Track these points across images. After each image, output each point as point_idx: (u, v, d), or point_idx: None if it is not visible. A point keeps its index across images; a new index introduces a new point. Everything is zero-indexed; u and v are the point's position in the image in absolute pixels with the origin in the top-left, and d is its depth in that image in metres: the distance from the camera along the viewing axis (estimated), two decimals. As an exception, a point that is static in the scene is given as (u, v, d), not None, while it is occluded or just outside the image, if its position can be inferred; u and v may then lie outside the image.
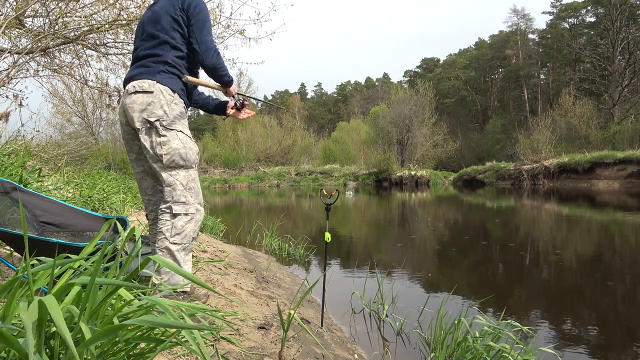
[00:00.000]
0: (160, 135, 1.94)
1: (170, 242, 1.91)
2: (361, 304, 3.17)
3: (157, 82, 1.97)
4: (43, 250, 1.66)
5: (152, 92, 1.95)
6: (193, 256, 3.48)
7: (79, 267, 1.18)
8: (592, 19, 41.67)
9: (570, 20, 44.83)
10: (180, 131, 1.99)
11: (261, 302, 2.68)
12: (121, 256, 1.25)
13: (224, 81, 2.18)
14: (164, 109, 1.96)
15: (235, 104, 2.38)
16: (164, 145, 1.95)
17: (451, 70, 55.80)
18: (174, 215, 1.94)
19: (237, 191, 24.53)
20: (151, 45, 2.05)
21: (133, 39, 5.21)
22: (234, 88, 2.26)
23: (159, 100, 1.95)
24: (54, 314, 0.78)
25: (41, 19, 4.68)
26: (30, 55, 4.64)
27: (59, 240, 1.76)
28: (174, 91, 2.01)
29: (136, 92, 1.96)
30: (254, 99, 2.50)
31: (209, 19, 2.12)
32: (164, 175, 1.99)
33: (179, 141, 1.97)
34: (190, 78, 2.05)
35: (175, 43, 2.05)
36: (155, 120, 1.94)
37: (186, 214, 1.97)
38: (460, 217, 10.28)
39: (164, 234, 1.92)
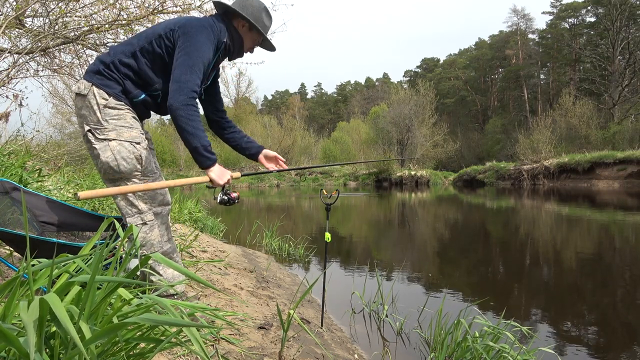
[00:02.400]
0: (92, 147, 1.80)
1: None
2: (361, 304, 3.17)
3: (92, 84, 1.80)
4: (43, 250, 1.66)
5: (85, 96, 1.79)
6: (193, 256, 3.48)
7: (78, 268, 1.18)
8: (592, 19, 41.68)
9: (570, 20, 44.83)
10: (114, 139, 1.79)
11: (261, 302, 2.68)
12: (121, 257, 1.25)
13: (192, 150, 1.76)
14: (96, 115, 1.78)
15: (220, 198, 1.97)
16: (96, 158, 1.82)
17: (451, 70, 55.80)
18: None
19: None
20: (118, 49, 1.88)
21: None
22: (219, 179, 1.84)
23: (90, 105, 1.78)
24: (57, 311, 0.78)
25: (41, 19, 4.68)
26: (30, 55, 4.64)
27: (59, 240, 1.76)
28: (109, 94, 1.80)
29: (75, 94, 1.84)
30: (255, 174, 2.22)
31: (201, 52, 1.79)
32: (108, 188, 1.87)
33: (110, 152, 1.78)
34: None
35: (137, 52, 1.83)
36: (88, 131, 1.80)
37: (144, 224, 1.85)
38: (460, 217, 10.28)
39: None
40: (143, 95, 1.87)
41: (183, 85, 1.72)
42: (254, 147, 2.27)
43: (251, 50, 2.10)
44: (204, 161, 1.79)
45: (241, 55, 2.10)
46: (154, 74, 1.86)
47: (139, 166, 1.84)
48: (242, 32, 2.01)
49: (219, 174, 1.84)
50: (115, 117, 1.80)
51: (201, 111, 2.04)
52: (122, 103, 1.83)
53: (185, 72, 1.74)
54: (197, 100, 1.81)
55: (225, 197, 1.95)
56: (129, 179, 1.84)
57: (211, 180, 1.83)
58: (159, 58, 1.84)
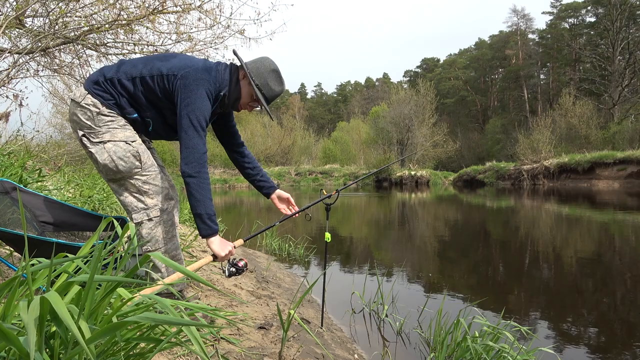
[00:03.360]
0: (89, 152, 1.84)
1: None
2: (361, 304, 3.17)
3: (89, 92, 1.83)
4: (43, 250, 1.66)
5: (79, 102, 1.82)
6: (193, 256, 3.47)
7: (78, 268, 1.18)
8: (592, 19, 41.70)
9: (570, 20, 44.86)
10: (108, 141, 1.82)
11: (261, 302, 2.68)
12: (120, 256, 1.25)
13: (197, 215, 1.78)
14: (89, 121, 1.82)
15: (228, 272, 1.96)
16: (95, 161, 1.85)
17: (451, 70, 55.82)
18: (138, 224, 1.86)
19: (237, 191, 24.53)
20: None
21: (133, 39, 5.22)
22: (221, 251, 1.81)
23: (84, 112, 1.81)
24: (59, 309, 0.78)
25: (41, 19, 4.68)
26: (30, 55, 4.64)
27: (59, 240, 1.76)
28: (102, 104, 1.82)
29: (71, 100, 1.88)
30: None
31: (202, 108, 1.79)
32: (112, 187, 1.91)
33: (106, 154, 1.81)
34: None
35: (137, 78, 1.84)
36: (82, 135, 1.83)
37: (150, 219, 1.87)
38: (460, 217, 10.28)
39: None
40: (135, 115, 1.89)
41: (193, 151, 1.77)
42: (267, 187, 2.31)
43: (248, 108, 2.04)
44: (205, 229, 1.79)
45: (236, 109, 2.06)
46: (147, 103, 1.88)
47: (137, 163, 1.85)
48: (243, 85, 1.97)
49: (220, 245, 1.82)
50: (108, 122, 1.83)
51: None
52: (115, 112, 1.85)
53: (193, 135, 1.77)
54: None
55: (234, 269, 1.93)
56: (130, 177, 1.86)
57: (214, 255, 1.83)
58: (153, 93, 1.86)
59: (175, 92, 1.82)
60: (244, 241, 2.06)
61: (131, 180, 1.86)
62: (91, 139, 1.82)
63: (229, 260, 1.94)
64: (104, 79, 1.85)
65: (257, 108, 2.04)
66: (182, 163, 1.77)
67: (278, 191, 2.32)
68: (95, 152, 1.82)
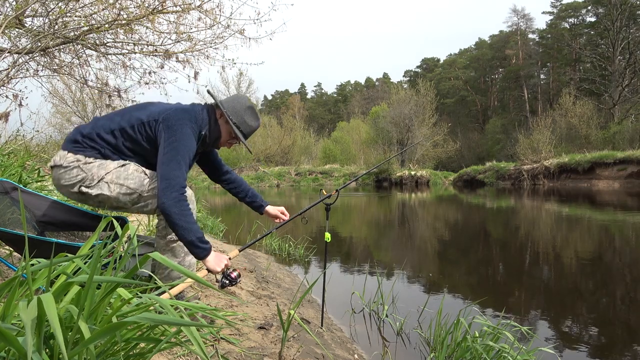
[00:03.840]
0: (93, 197, 1.82)
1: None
2: (361, 304, 3.17)
3: (68, 151, 1.83)
4: (43, 251, 1.66)
5: (61, 165, 1.81)
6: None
7: (78, 268, 1.18)
8: (592, 19, 41.68)
9: (570, 20, 44.85)
10: (105, 174, 1.82)
11: (261, 302, 2.68)
12: (120, 256, 1.25)
13: (188, 243, 1.75)
14: (79, 175, 1.81)
15: (221, 283, 1.95)
16: (106, 201, 1.84)
17: (451, 70, 55.81)
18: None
19: (237, 191, 24.48)
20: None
21: (133, 39, 5.22)
22: (217, 266, 1.81)
23: (70, 170, 1.80)
24: (49, 312, 0.78)
25: (41, 18, 4.68)
26: (30, 55, 4.64)
27: (59, 240, 1.76)
28: (85, 157, 1.82)
29: (51, 167, 1.86)
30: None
31: (187, 146, 1.81)
32: (139, 211, 1.91)
33: (111, 185, 1.81)
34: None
35: (116, 130, 1.85)
36: (79, 190, 1.81)
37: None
38: (460, 217, 10.28)
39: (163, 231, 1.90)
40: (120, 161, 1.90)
41: (172, 182, 1.74)
42: (258, 205, 2.36)
43: (227, 145, 2.10)
44: (200, 253, 1.79)
45: (217, 148, 2.12)
46: (131, 152, 1.89)
47: (142, 174, 1.87)
48: (221, 124, 2.01)
49: (215, 261, 1.82)
50: (96, 164, 1.84)
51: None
52: (97, 158, 1.86)
53: (173, 168, 1.75)
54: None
55: (227, 281, 1.93)
56: (145, 190, 1.86)
57: (209, 270, 1.83)
58: (136, 142, 1.86)
59: (159, 135, 1.82)
60: (239, 251, 2.06)
61: (147, 193, 1.86)
62: (89, 185, 1.81)
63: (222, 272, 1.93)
64: (82, 136, 1.85)
65: (236, 143, 2.10)
66: (161, 195, 1.73)
67: (269, 206, 2.37)
68: (100, 191, 1.80)
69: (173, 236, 1.86)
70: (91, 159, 1.83)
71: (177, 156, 1.77)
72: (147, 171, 1.89)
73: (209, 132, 1.98)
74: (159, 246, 1.91)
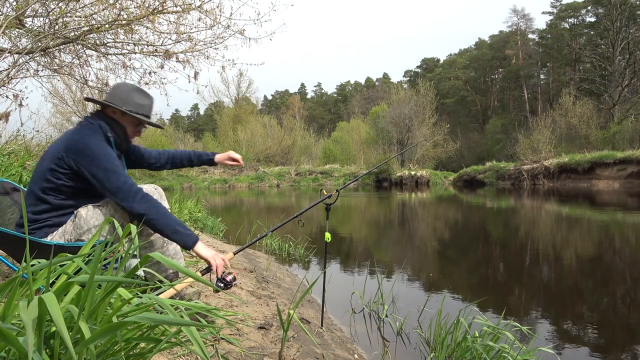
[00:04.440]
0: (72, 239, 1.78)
1: None
2: (361, 304, 3.17)
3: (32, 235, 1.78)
4: (42, 252, 1.66)
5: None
6: (193, 256, 3.48)
7: (79, 268, 1.18)
8: (592, 19, 41.67)
9: (570, 20, 44.83)
10: (76, 211, 1.81)
11: (261, 302, 2.68)
12: (121, 257, 1.25)
13: (173, 232, 1.74)
14: (64, 236, 1.79)
15: (216, 285, 1.87)
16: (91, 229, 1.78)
17: (451, 70, 55.80)
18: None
19: (237, 191, 24.53)
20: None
21: (133, 39, 5.22)
22: (207, 251, 1.80)
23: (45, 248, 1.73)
24: (52, 311, 0.78)
25: (41, 19, 4.68)
26: (30, 55, 4.64)
27: (58, 242, 1.76)
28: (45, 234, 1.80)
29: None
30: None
31: (107, 155, 1.77)
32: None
33: (86, 212, 1.79)
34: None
35: (41, 195, 1.79)
36: (65, 242, 1.78)
37: None
38: (460, 217, 10.28)
39: None
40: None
41: (126, 188, 1.73)
42: (206, 157, 2.39)
43: (138, 134, 2.05)
44: (189, 237, 1.76)
45: (129, 143, 2.04)
46: (69, 200, 1.82)
47: (92, 209, 1.82)
48: (119, 119, 1.95)
49: (207, 249, 1.81)
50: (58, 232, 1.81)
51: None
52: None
53: (116, 178, 1.73)
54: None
55: (222, 284, 1.88)
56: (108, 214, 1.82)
57: (207, 261, 1.79)
58: (64, 187, 1.79)
59: (78, 165, 1.75)
60: (234, 254, 2.04)
61: (112, 214, 1.83)
62: (70, 234, 1.77)
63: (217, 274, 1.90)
64: (22, 217, 1.79)
65: (143, 128, 2.05)
66: (125, 205, 1.72)
67: (217, 155, 2.38)
68: (79, 224, 1.76)
69: (150, 230, 1.85)
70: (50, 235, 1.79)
71: (108, 168, 1.74)
72: (92, 205, 1.83)
73: (114, 132, 1.92)
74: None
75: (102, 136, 1.86)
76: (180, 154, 2.39)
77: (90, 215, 1.81)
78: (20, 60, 4.65)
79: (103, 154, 1.77)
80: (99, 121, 1.90)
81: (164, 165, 2.34)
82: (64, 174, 1.77)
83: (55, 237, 1.79)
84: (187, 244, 1.77)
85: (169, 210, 1.82)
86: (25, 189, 2.15)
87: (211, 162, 2.37)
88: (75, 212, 1.83)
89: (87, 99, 2.03)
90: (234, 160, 2.38)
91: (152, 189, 1.97)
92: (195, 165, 2.40)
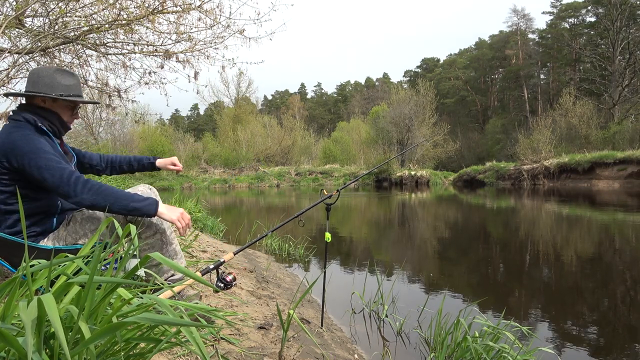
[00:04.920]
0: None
1: None
2: (361, 304, 3.17)
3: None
4: (39, 256, 1.65)
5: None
6: (193, 256, 3.48)
7: (78, 269, 1.18)
8: (592, 19, 41.67)
9: (570, 20, 44.83)
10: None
11: (261, 302, 2.68)
12: (120, 257, 1.25)
13: (131, 210, 1.70)
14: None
15: (215, 285, 1.90)
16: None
17: (451, 70, 55.79)
18: None
19: (237, 191, 24.53)
20: None
21: (133, 39, 5.22)
22: (170, 212, 1.78)
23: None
24: (50, 312, 0.78)
25: (41, 18, 4.68)
26: (30, 55, 4.64)
27: (56, 246, 1.75)
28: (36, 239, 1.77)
29: None
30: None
31: (40, 148, 1.67)
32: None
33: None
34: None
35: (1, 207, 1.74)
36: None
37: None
38: (460, 217, 10.28)
39: None
40: (54, 221, 1.81)
41: (63, 181, 1.65)
42: (146, 161, 2.31)
43: (76, 117, 1.95)
44: (148, 207, 1.73)
45: (67, 129, 1.93)
46: (35, 202, 1.74)
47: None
48: (52, 107, 1.83)
49: (171, 209, 1.79)
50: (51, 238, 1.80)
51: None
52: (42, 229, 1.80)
53: (53, 173, 1.65)
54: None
55: (222, 284, 1.88)
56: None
57: (173, 223, 1.78)
58: (19, 190, 1.66)
59: (14, 165, 1.67)
60: (234, 254, 2.03)
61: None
62: (64, 240, 1.78)
63: (217, 274, 1.90)
64: (11, 233, 1.72)
65: (78, 112, 1.95)
66: (69, 197, 1.67)
67: (159, 160, 2.32)
68: (75, 229, 1.78)
69: (149, 232, 1.85)
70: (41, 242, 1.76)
71: (41, 164, 1.65)
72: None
73: (46, 120, 1.81)
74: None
75: (31, 129, 1.74)
76: (120, 158, 2.30)
77: (86, 219, 1.81)
78: (20, 60, 4.65)
79: (32, 149, 1.66)
80: (22, 114, 1.77)
81: (104, 170, 2.26)
82: (8, 178, 1.69)
83: (49, 243, 1.76)
84: (150, 214, 1.73)
85: (117, 189, 1.75)
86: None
87: (152, 167, 2.30)
88: (69, 217, 1.82)
89: (8, 94, 1.92)
90: (175, 165, 2.31)
91: (147, 190, 1.94)
92: (137, 171, 2.31)
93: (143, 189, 1.92)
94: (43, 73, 1.82)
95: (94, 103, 2.08)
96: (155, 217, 1.80)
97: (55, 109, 1.84)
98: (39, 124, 1.76)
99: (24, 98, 1.87)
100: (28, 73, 1.86)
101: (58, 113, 1.85)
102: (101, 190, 1.67)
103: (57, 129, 1.85)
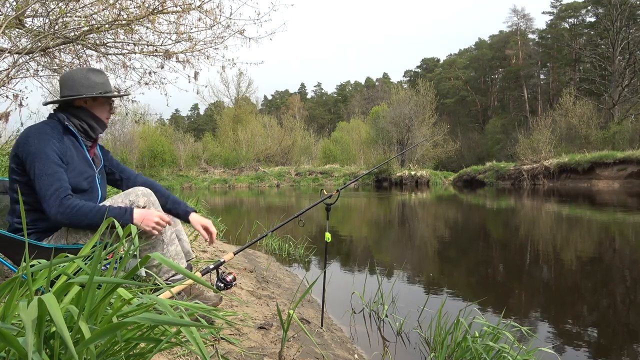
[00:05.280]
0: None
1: None
2: (361, 304, 3.17)
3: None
4: (39, 256, 1.66)
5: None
6: (193, 257, 3.47)
7: (78, 269, 1.18)
8: (592, 19, 41.67)
9: (570, 20, 44.83)
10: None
11: (261, 302, 2.68)
12: (120, 257, 1.25)
13: (110, 224, 1.53)
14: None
15: (215, 285, 1.89)
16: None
17: (451, 70, 55.79)
18: None
19: (237, 191, 24.53)
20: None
21: (133, 39, 5.22)
22: (143, 217, 1.74)
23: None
24: (52, 311, 0.78)
25: (41, 19, 4.68)
26: (30, 55, 4.64)
27: (57, 245, 1.75)
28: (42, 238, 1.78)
29: None
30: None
31: (43, 155, 1.68)
32: None
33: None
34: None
35: (13, 206, 1.80)
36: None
37: None
38: (460, 218, 10.28)
39: None
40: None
41: (46, 195, 1.66)
42: (183, 206, 2.13)
43: (113, 112, 2.01)
44: (123, 214, 1.70)
45: (104, 127, 1.96)
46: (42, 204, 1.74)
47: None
48: (90, 107, 1.88)
49: (143, 215, 1.74)
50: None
51: None
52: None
53: (41, 184, 1.66)
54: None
55: (222, 284, 1.86)
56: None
57: (145, 231, 1.74)
58: (31, 183, 1.70)
59: (24, 159, 1.70)
60: (234, 254, 2.03)
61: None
62: (65, 239, 1.77)
63: (217, 274, 1.89)
64: (16, 225, 1.75)
65: (113, 112, 2.00)
66: (49, 213, 1.66)
67: (193, 215, 2.11)
68: (75, 229, 1.76)
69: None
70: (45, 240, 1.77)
71: (37, 171, 1.67)
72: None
73: (79, 119, 1.85)
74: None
75: (56, 128, 1.78)
76: (158, 189, 2.11)
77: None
78: (20, 60, 4.65)
79: (37, 151, 1.68)
80: (57, 113, 1.83)
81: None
82: (23, 170, 1.72)
83: (52, 242, 1.77)
84: (125, 222, 1.69)
85: (91, 207, 1.71)
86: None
87: (185, 216, 2.10)
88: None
89: (47, 103, 1.95)
90: (207, 230, 2.09)
91: (147, 193, 1.91)
92: (165, 211, 2.01)
93: (144, 191, 1.90)
94: (77, 75, 1.86)
95: (126, 95, 2.11)
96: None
97: (93, 108, 1.89)
98: (66, 123, 1.81)
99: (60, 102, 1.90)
100: (59, 79, 1.92)
101: (94, 112, 1.89)
102: (75, 208, 1.67)
103: (91, 128, 1.89)
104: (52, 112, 1.91)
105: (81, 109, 1.86)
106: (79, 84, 1.84)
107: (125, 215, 1.72)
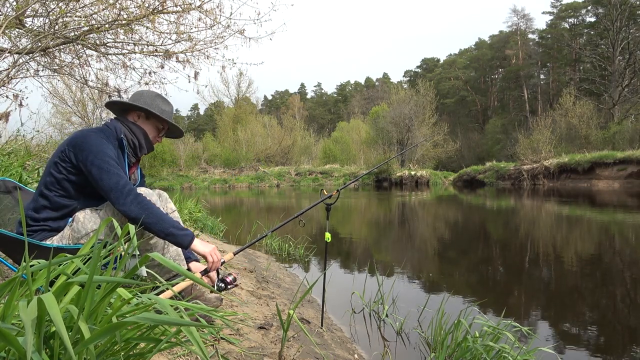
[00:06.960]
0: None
1: None
2: (361, 304, 3.17)
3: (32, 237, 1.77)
4: (41, 255, 1.66)
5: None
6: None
7: (78, 268, 1.17)
8: (592, 19, 41.69)
9: (570, 20, 44.85)
10: (75, 217, 1.82)
11: (261, 302, 2.68)
12: (120, 256, 1.25)
13: (169, 235, 1.72)
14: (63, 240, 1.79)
15: (217, 286, 1.90)
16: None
17: (451, 70, 55.79)
18: None
19: (237, 191, 24.53)
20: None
21: (133, 39, 5.22)
22: (205, 246, 1.79)
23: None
24: (52, 311, 0.78)
25: (41, 19, 4.68)
26: (30, 55, 4.64)
27: (57, 245, 1.75)
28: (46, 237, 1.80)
29: None
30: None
31: (104, 153, 1.75)
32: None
33: (84, 215, 1.81)
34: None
35: (43, 190, 1.80)
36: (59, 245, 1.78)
37: None
38: (460, 218, 10.28)
39: None
40: (70, 219, 1.85)
41: (118, 187, 1.70)
42: (188, 254, 2.09)
43: (158, 140, 2.08)
44: (184, 237, 1.74)
45: (151, 148, 2.05)
46: (69, 199, 1.80)
47: (90, 212, 1.84)
48: (141, 123, 1.99)
49: (204, 244, 1.80)
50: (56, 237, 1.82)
51: None
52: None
53: (110, 177, 1.71)
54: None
55: (222, 284, 1.86)
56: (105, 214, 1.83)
57: (205, 257, 1.77)
58: (65, 182, 1.78)
59: (77, 159, 1.75)
60: (234, 254, 2.03)
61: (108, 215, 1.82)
62: (68, 239, 1.77)
63: (217, 275, 1.90)
64: (29, 217, 1.78)
65: (162, 135, 2.09)
66: (118, 205, 1.69)
67: (193, 263, 2.09)
68: (77, 228, 1.77)
69: (149, 234, 1.84)
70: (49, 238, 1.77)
71: (102, 166, 1.72)
72: (89, 209, 1.84)
73: (132, 134, 1.95)
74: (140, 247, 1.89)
75: (112, 137, 1.86)
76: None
77: (87, 219, 1.81)
78: (20, 60, 4.65)
79: (99, 151, 1.75)
80: (115, 124, 1.93)
81: None
82: (65, 167, 1.78)
83: (54, 242, 1.78)
84: (183, 244, 1.75)
85: (163, 212, 1.79)
86: (26, 188, 2.15)
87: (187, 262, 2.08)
88: (73, 217, 1.83)
89: (109, 104, 2.01)
90: (212, 257, 1.94)
91: (154, 194, 1.95)
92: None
93: (152, 192, 1.91)
94: (145, 94, 2.02)
95: (179, 131, 2.15)
96: None
97: (145, 125, 2.00)
98: (121, 136, 1.90)
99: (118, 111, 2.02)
100: (132, 94, 2.07)
101: (148, 131, 2.01)
102: (148, 207, 1.72)
103: (139, 144, 1.98)
104: (111, 119, 1.99)
105: (134, 123, 1.97)
106: (143, 100, 1.98)
107: (187, 235, 1.75)
